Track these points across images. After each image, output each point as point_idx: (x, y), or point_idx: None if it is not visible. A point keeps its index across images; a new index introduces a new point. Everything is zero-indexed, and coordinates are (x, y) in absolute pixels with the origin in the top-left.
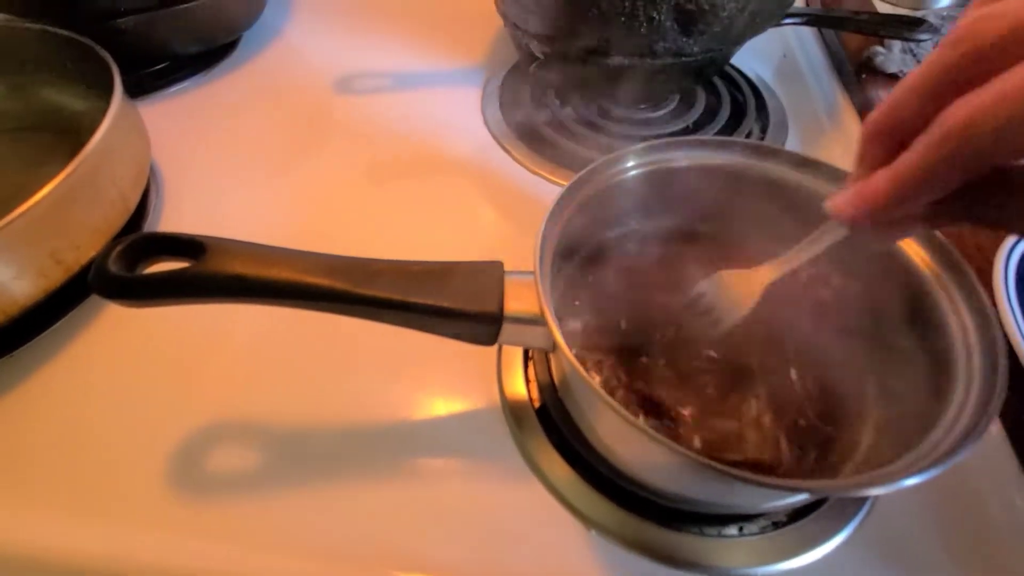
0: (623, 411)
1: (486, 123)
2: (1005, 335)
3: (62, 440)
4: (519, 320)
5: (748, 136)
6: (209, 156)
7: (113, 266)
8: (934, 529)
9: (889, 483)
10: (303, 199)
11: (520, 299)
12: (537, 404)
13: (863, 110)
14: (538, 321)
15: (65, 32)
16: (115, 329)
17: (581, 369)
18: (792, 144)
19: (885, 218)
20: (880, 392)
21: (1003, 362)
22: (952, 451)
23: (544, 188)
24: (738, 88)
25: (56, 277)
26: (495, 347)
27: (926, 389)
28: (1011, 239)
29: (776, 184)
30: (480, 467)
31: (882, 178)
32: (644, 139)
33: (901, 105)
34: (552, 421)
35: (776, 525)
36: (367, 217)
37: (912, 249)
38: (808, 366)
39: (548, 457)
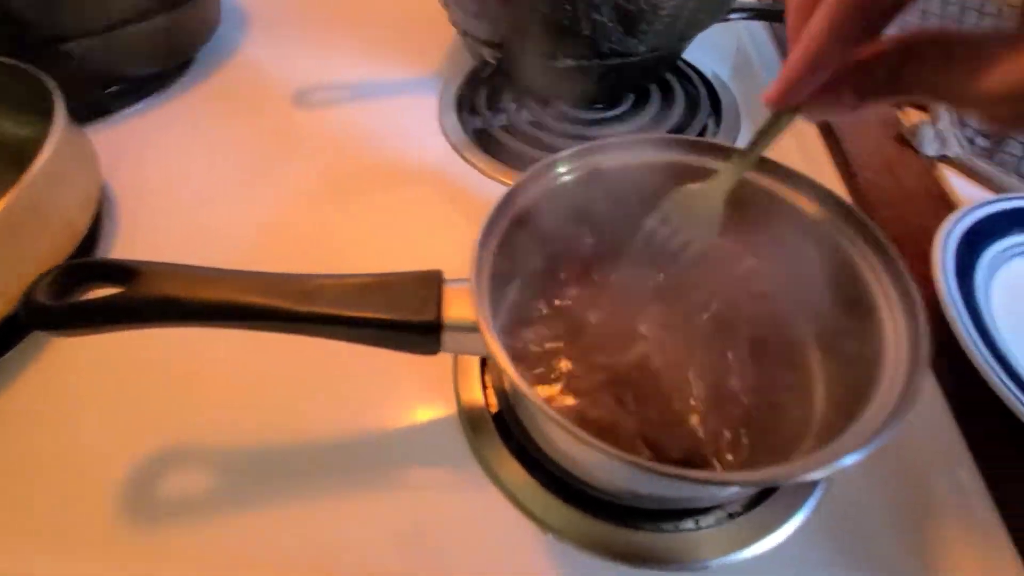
0: (558, 417)
1: (443, 130)
2: (943, 314)
3: (12, 471)
4: (458, 328)
5: (703, 130)
6: (166, 177)
7: (42, 296)
8: (885, 508)
9: (791, 476)
10: (264, 216)
11: (459, 307)
12: (494, 410)
13: None
14: (476, 328)
15: (8, 60)
16: (64, 359)
17: (515, 376)
18: (744, 136)
19: (807, 89)
20: (825, 372)
21: (925, 344)
22: (866, 442)
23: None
24: (692, 84)
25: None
26: (451, 356)
27: (863, 367)
28: (951, 219)
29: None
30: (437, 476)
31: (794, 53)
32: (599, 139)
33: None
34: (508, 427)
35: (732, 516)
36: (329, 230)
37: (844, 233)
38: (750, 352)
39: (505, 463)
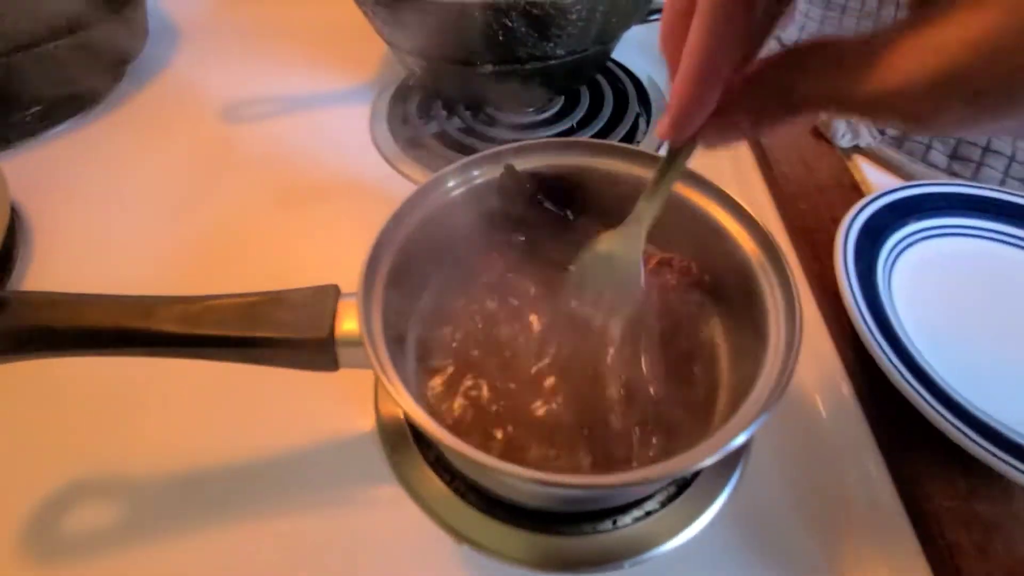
0: (438, 430)
1: (375, 141)
2: (831, 297)
3: None
4: (352, 343)
5: (634, 128)
6: (87, 202)
7: None
8: (795, 500)
9: (676, 469)
10: (190, 236)
11: (353, 321)
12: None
13: None
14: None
15: None
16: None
17: (398, 387)
18: None
19: (699, 118)
20: (729, 363)
21: (798, 336)
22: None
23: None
24: (621, 84)
25: None
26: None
27: (753, 357)
28: (854, 210)
29: (613, 177)
30: (355, 493)
31: (677, 80)
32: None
33: (672, 18)
34: (425, 438)
35: (649, 513)
36: (257, 247)
37: (744, 239)
38: (662, 349)
39: (421, 475)
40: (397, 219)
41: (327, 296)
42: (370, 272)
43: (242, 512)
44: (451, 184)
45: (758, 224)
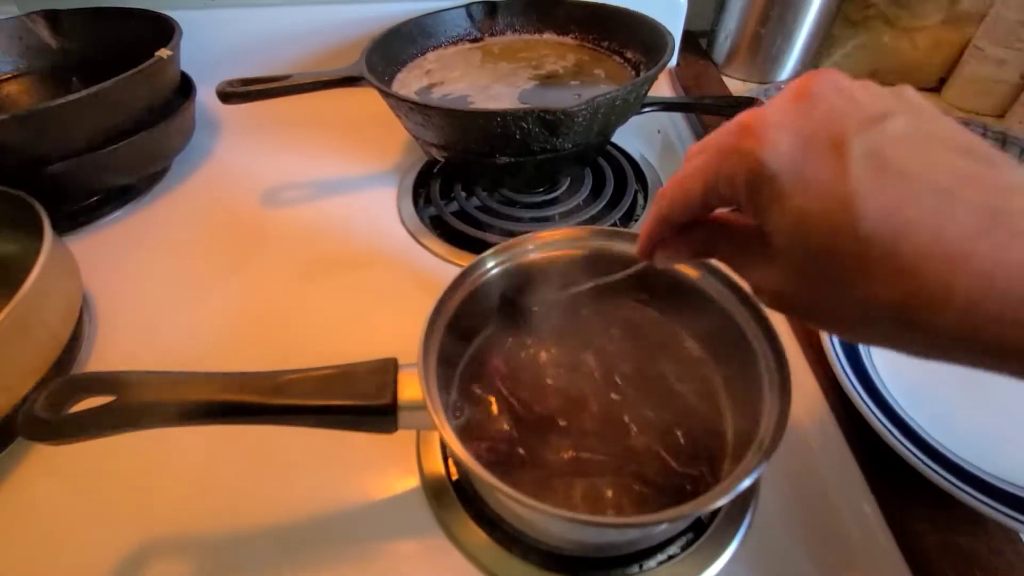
0: (492, 478)
1: (401, 219)
2: (820, 352)
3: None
4: (412, 408)
5: (633, 204)
6: (143, 282)
7: (40, 411)
8: (802, 540)
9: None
10: (237, 311)
11: (412, 389)
12: (455, 477)
13: None
14: (425, 407)
15: None
16: (45, 465)
17: (456, 444)
18: None
19: (654, 248)
20: (732, 416)
21: (788, 399)
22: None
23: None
24: (620, 165)
25: None
26: (415, 431)
27: (751, 414)
28: None
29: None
30: (404, 546)
31: (643, 227)
32: (543, 219)
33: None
34: (468, 493)
35: (671, 557)
36: (299, 319)
37: (737, 310)
38: (676, 403)
39: (465, 527)
40: (445, 299)
41: (388, 367)
42: (426, 346)
43: (298, 565)
44: (493, 264)
45: (749, 294)
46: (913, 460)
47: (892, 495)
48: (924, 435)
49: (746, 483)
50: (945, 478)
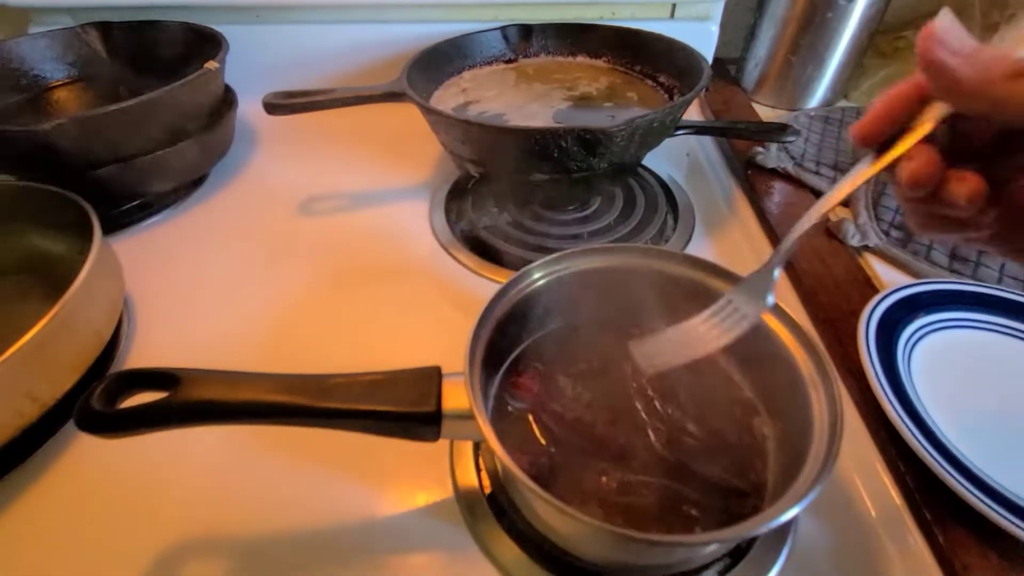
0: (544, 494)
1: (434, 233)
2: (871, 390)
3: (43, 563)
4: (456, 417)
5: (664, 224)
6: (180, 284)
7: (96, 404)
8: (840, 557)
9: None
10: (272, 315)
11: (456, 398)
12: (488, 491)
13: (752, 201)
14: (471, 416)
15: (48, 187)
16: (86, 458)
17: (505, 457)
18: (698, 229)
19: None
20: (776, 441)
21: (839, 435)
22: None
23: (489, 288)
24: (651, 186)
25: (32, 414)
26: (448, 444)
27: (800, 437)
28: (871, 304)
29: (671, 278)
30: (437, 558)
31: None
32: (573, 237)
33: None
34: (501, 506)
35: None
36: (332, 326)
37: (793, 346)
38: (716, 425)
39: (499, 541)
40: (490, 308)
41: (433, 376)
42: (472, 355)
43: (327, 572)
44: (537, 276)
45: (794, 321)
46: (964, 493)
47: (941, 529)
48: (973, 467)
49: (791, 512)
50: (997, 511)
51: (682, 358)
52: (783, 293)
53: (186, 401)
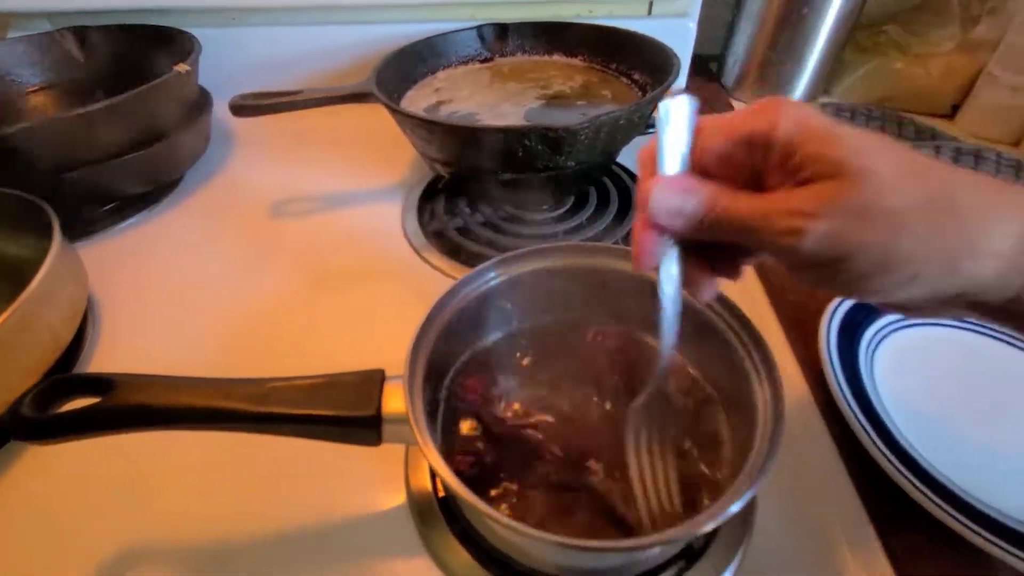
0: (470, 495)
1: (405, 234)
2: (824, 386)
3: None
4: (396, 420)
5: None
6: (151, 288)
7: (27, 410)
8: (795, 560)
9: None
10: (242, 321)
11: (396, 401)
12: (441, 494)
13: None
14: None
15: (10, 191)
16: (40, 465)
17: (436, 460)
18: None
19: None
20: (730, 435)
21: (782, 423)
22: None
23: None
24: (625, 185)
25: None
26: (404, 448)
27: (747, 429)
28: (833, 304)
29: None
30: (385, 563)
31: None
32: (546, 236)
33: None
34: (453, 511)
35: None
36: (302, 331)
37: (740, 341)
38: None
39: (448, 546)
40: (434, 313)
41: (374, 379)
42: (413, 358)
43: None
44: (487, 278)
45: (743, 315)
46: (921, 498)
47: (896, 531)
48: (931, 470)
49: (731, 510)
50: (952, 515)
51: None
52: (750, 291)
53: (119, 406)
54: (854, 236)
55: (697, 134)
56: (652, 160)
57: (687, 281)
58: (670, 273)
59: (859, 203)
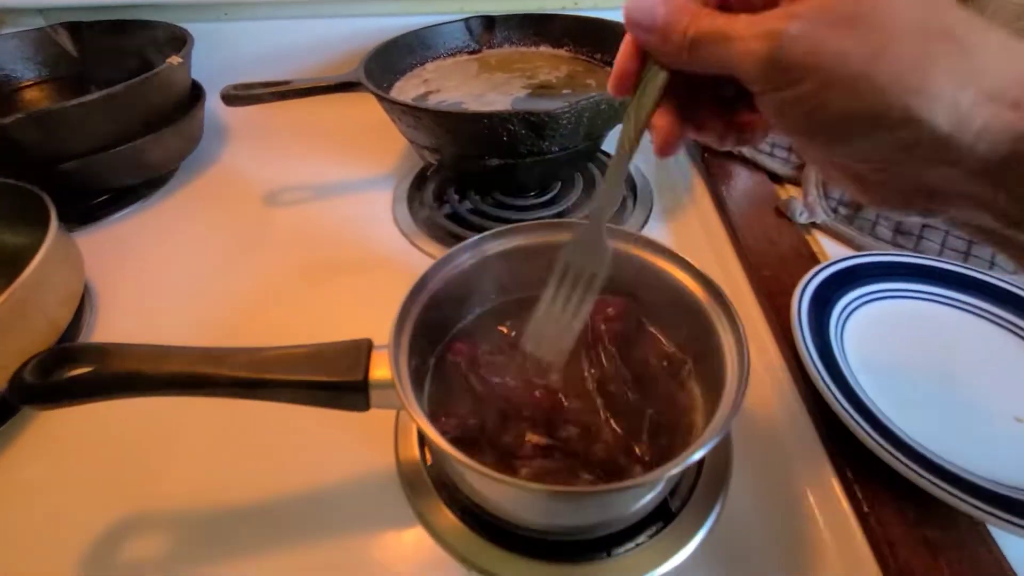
0: (450, 448)
1: (396, 221)
2: (797, 355)
3: None
4: (382, 386)
5: (622, 208)
6: (147, 277)
7: (29, 377)
8: (769, 531)
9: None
10: (236, 308)
11: (383, 368)
12: (430, 462)
13: (710, 186)
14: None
15: (9, 180)
16: (39, 441)
17: (420, 419)
18: (656, 213)
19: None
20: (701, 390)
21: (746, 375)
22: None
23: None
24: None
25: None
26: (394, 418)
27: (716, 386)
28: (807, 276)
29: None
30: (375, 529)
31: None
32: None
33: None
34: (441, 477)
35: (638, 544)
36: (294, 317)
37: (697, 288)
38: (649, 380)
39: (436, 510)
40: (420, 285)
41: (362, 347)
42: (398, 328)
43: (274, 546)
44: (465, 256)
45: (713, 283)
46: (880, 451)
47: (861, 487)
48: (892, 427)
49: (694, 457)
50: (912, 469)
51: (567, 342)
52: (727, 267)
53: (114, 372)
54: (832, 44)
55: None
56: None
57: (655, 125)
58: (641, 105)
59: (847, 10)
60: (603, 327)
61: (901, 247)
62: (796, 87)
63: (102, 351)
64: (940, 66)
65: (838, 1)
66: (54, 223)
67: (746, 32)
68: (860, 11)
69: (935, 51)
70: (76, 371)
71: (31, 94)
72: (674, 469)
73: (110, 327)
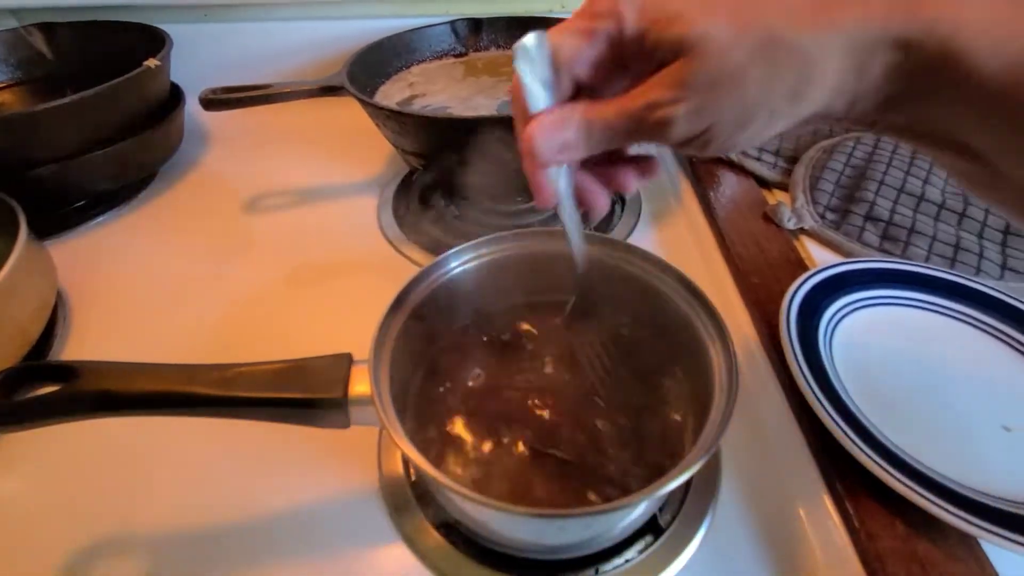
0: (428, 467)
1: (381, 228)
2: (786, 364)
3: None
4: (362, 402)
5: (610, 214)
6: (124, 284)
7: None
8: (759, 544)
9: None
10: (216, 317)
11: (364, 384)
12: (414, 478)
13: (698, 192)
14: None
15: None
16: (14, 454)
17: (400, 438)
18: (644, 218)
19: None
20: (686, 401)
21: (734, 394)
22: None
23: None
24: None
25: None
26: (377, 434)
27: (704, 397)
28: (796, 283)
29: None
30: (358, 547)
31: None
32: (516, 227)
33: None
34: (424, 494)
35: (628, 561)
36: (277, 325)
37: (684, 297)
38: (633, 388)
39: (420, 528)
40: (401, 298)
41: (341, 362)
42: (379, 342)
43: (254, 566)
44: (450, 266)
45: (699, 290)
46: (871, 465)
47: (851, 500)
48: (883, 440)
49: (684, 476)
50: (903, 482)
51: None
52: (716, 273)
53: (83, 391)
54: (713, 105)
55: (557, 58)
56: (524, 110)
57: (583, 200)
58: (567, 194)
59: (707, 74)
60: (591, 339)
61: (888, 252)
62: (700, 139)
63: (69, 369)
64: (786, 83)
65: (693, 72)
66: (23, 231)
67: (644, 121)
68: (712, 70)
69: (783, 74)
70: (42, 390)
71: (3, 97)
72: (664, 488)
73: (84, 339)
